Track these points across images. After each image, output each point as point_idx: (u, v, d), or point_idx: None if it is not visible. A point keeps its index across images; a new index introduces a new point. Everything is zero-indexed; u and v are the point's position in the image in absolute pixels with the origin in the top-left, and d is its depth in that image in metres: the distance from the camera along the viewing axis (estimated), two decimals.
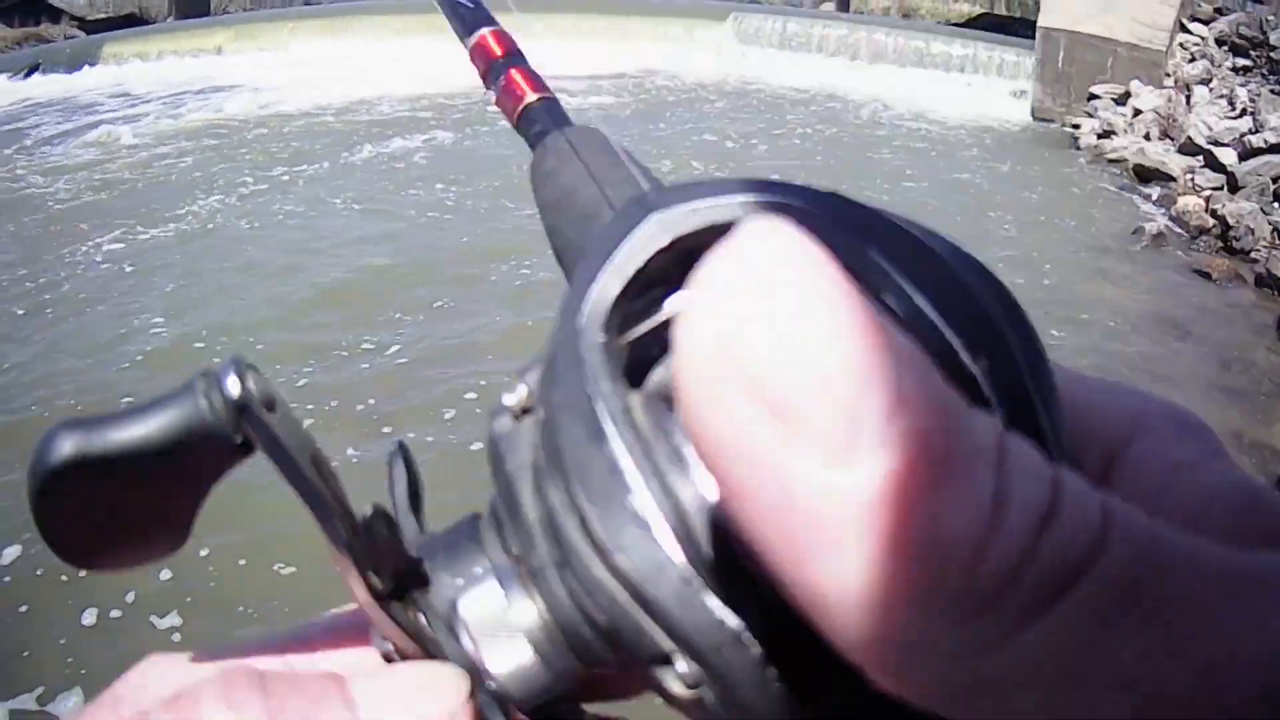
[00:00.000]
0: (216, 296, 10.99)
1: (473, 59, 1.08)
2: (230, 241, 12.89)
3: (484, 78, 1.07)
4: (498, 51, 1.07)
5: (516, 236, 12.27)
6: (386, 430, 8.23)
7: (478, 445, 7.54)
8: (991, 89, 24.18)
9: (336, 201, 14.42)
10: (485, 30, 1.09)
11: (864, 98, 23.78)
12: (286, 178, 16.21)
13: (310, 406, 8.45)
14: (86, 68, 42.12)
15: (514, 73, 1.03)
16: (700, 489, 0.40)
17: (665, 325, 0.45)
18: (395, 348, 9.68)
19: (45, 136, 23.04)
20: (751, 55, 28.84)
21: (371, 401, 8.65)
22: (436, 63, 29.81)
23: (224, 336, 9.85)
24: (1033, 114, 22.14)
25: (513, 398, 0.49)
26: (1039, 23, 22.91)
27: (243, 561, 6.37)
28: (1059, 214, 14.39)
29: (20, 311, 10.68)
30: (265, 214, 13.97)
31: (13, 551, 6.70)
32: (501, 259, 11.73)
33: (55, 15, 78.76)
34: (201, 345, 9.59)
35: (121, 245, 12.87)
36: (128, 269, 12.02)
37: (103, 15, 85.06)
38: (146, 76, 36.95)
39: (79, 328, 10.26)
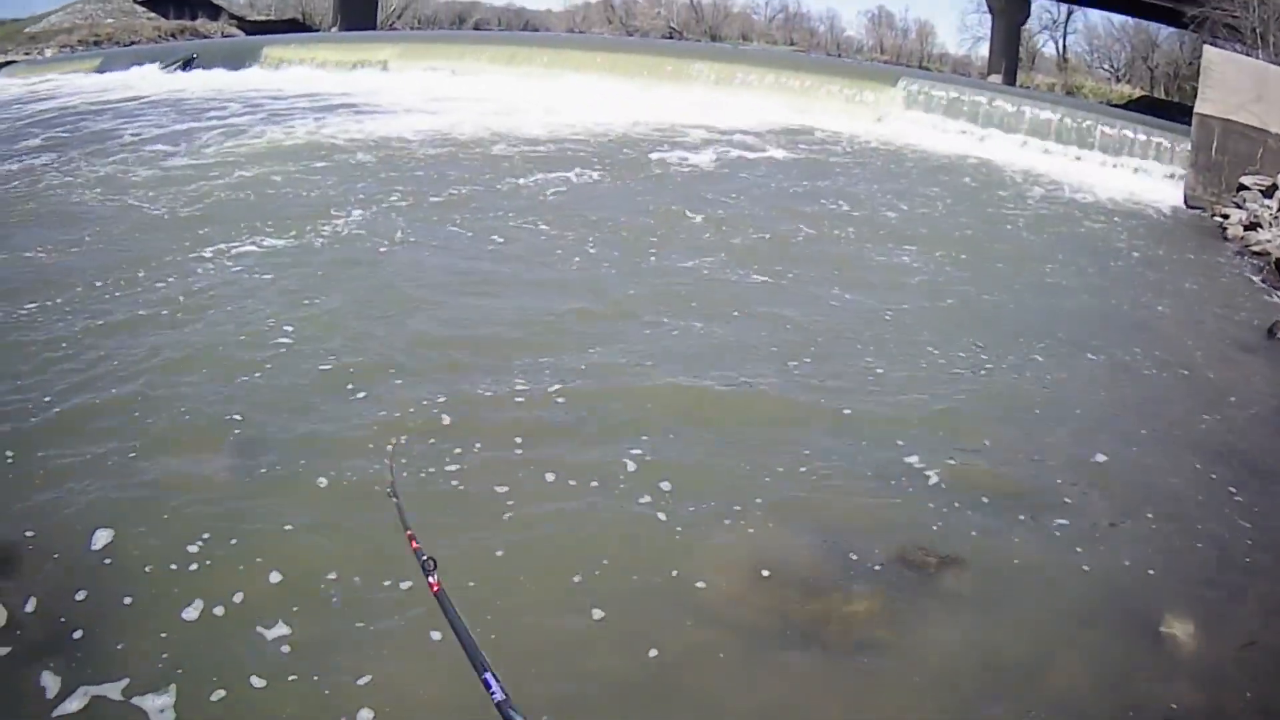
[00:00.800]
0: (349, 313, 10.92)
1: None
2: (378, 263, 12.88)
3: None
4: None
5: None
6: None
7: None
8: (1147, 173, 24.15)
9: (491, 234, 14.60)
10: None
11: (1020, 171, 23.94)
12: (437, 200, 16.56)
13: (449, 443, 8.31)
14: (244, 68, 43.60)
15: None
16: None
17: None
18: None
19: (193, 131, 23.81)
20: (917, 120, 29.12)
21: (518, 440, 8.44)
22: (604, 101, 30.93)
23: (349, 355, 9.78)
24: (1185, 201, 22.00)
25: None
26: (1195, 109, 22.76)
27: (357, 579, 6.15)
28: (1200, 300, 14.29)
29: (142, 312, 10.59)
30: (418, 236, 14.15)
31: (114, 536, 6.54)
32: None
33: (214, 11, 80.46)
34: (327, 367, 9.45)
35: (253, 249, 13.04)
36: (265, 276, 12.01)
37: (264, 17, 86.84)
38: (306, 83, 37.58)
39: (200, 331, 10.19)
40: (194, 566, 6.31)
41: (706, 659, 5.89)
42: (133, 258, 12.42)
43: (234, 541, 6.55)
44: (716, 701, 5.62)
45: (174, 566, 6.29)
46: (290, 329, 10.14)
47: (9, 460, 7.51)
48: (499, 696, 3.18)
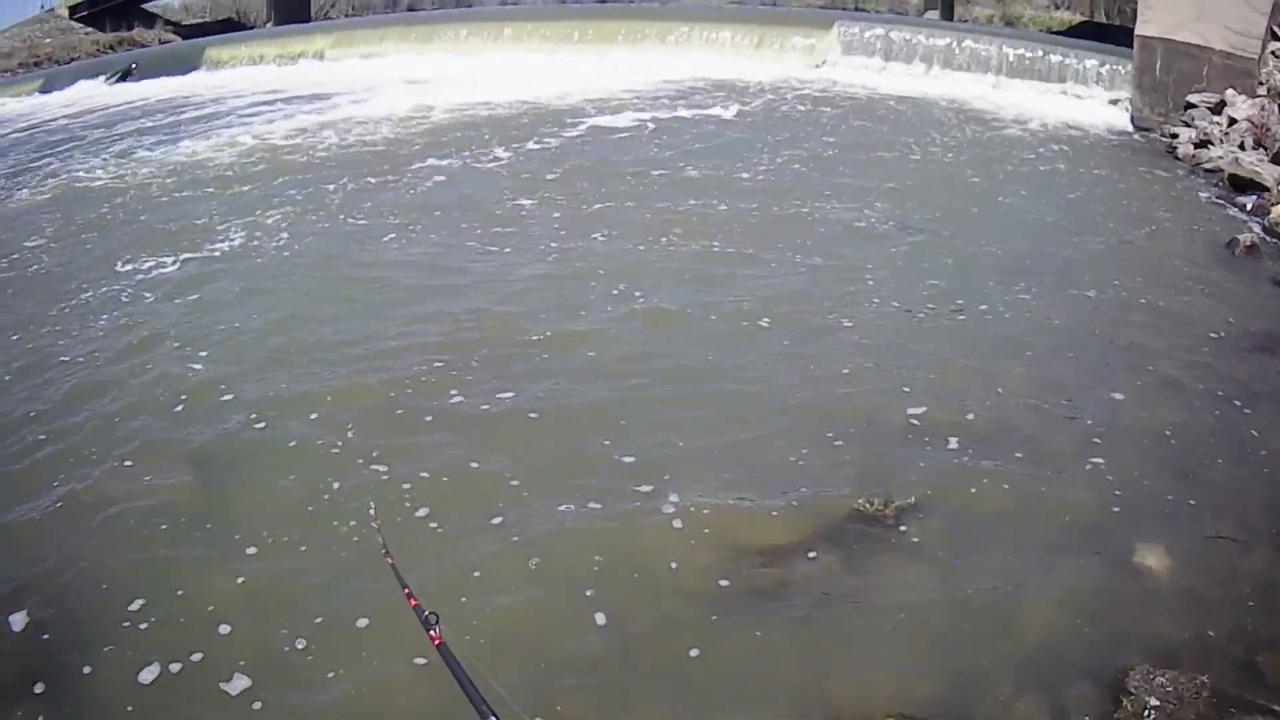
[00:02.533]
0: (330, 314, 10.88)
1: None
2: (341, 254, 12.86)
3: None
4: None
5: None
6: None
7: None
8: (1093, 98, 23.77)
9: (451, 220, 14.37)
10: None
11: (964, 107, 23.56)
12: (397, 184, 16.31)
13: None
14: (185, 73, 43.66)
15: None
16: None
17: None
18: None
19: (140, 141, 23.21)
20: (855, 64, 28.66)
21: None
22: (541, 73, 30.06)
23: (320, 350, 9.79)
24: (1132, 123, 21.75)
25: None
26: (1136, 31, 22.61)
27: (319, 620, 5.99)
28: (1156, 223, 14.15)
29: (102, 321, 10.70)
30: (370, 227, 13.98)
31: (62, 603, 6.33)
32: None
33: (149, 20, 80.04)
34: (305, 365, 9.54)
35: (232, 243, 12.96)
36: (259, 264, 12.05)
37: (199, 20, 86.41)
38: (247, 81, 37.74)
39: (179, 329, 10.27)
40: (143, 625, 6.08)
41: (674, 630, 5.83)
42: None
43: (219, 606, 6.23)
44: (683, 668, 5.57)
45: (125, 624, 6.07)
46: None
47: None
48: None
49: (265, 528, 6.88)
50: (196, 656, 5.80)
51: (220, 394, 8.86)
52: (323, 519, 6.97)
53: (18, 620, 6.12)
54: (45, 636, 6.00)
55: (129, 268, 12.66)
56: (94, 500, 7.36)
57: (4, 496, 7.56)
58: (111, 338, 10.37)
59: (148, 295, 11.59)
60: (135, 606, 6.18)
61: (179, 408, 8.71)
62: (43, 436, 8.39)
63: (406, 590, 4.42)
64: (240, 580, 6.46)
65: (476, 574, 6.33)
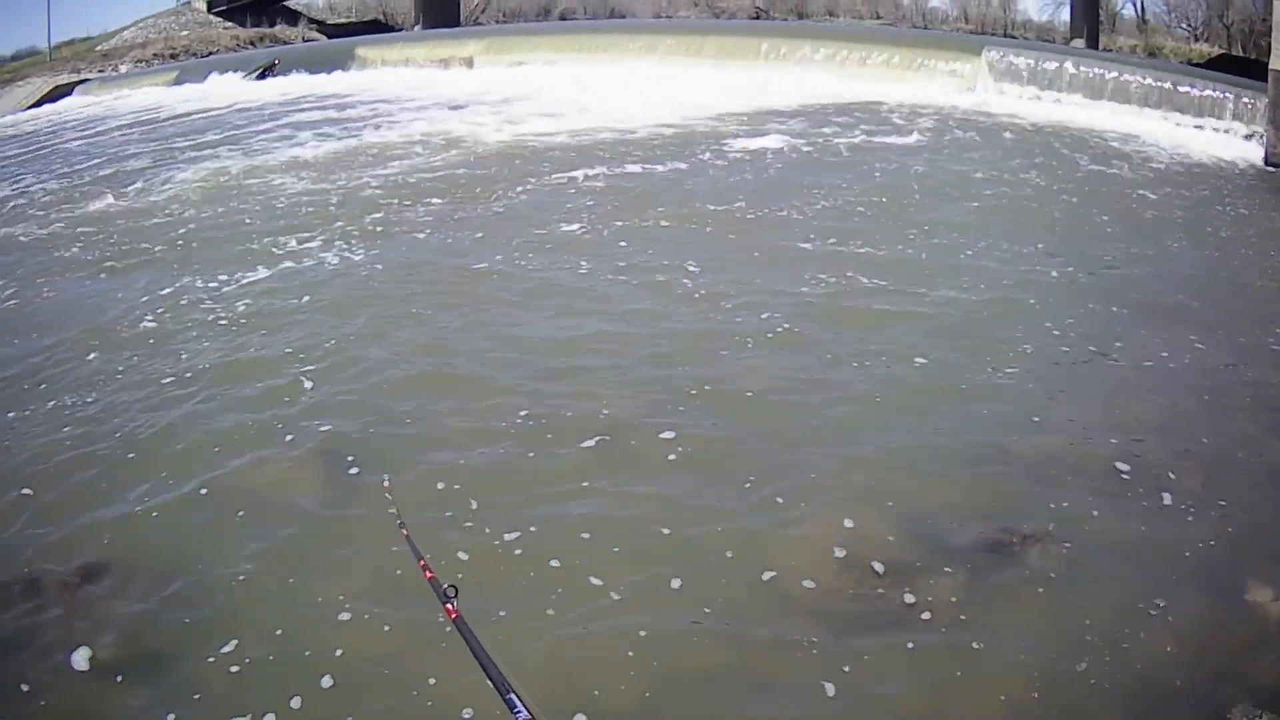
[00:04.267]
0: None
1: None
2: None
3: None
4: None
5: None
6: None
7: None
8: (1229, 132, 23.69)
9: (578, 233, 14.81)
10: None
11: (1105, 134, 23.67)
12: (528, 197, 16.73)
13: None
14: (331, 72, 44.04)
15: None
16: None
17: None
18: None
19: (268, 139, 24.47)
20: (1004, 90, 28.92)
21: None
22: (698, 87, 30.71)
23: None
24: (1266, 159, 21.52)
25: None
26: (1270, 65, 22.30)
27: (376, 613, 6.06)
28: (1276, 263, 13.89)
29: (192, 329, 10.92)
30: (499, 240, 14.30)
31: (128, 576, 6.92)
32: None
33: (292, 17, 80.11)
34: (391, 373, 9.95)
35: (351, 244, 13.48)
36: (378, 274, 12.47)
37: (344, 20, 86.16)
38: (394, 83, 38.23)
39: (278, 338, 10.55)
40: (220, 607, 6.36)
41: (794, 648, 5.90)
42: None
43: (244, 584, 6.56)
44: (802, 691, 5.62)
45: (200, 613, 6.30)
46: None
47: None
48: (523, 715, 3.25)
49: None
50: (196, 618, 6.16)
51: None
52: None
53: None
54: None
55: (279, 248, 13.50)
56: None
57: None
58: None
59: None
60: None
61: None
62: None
63: (422, 563, 4.37)
64: (254, 549, 6.83)
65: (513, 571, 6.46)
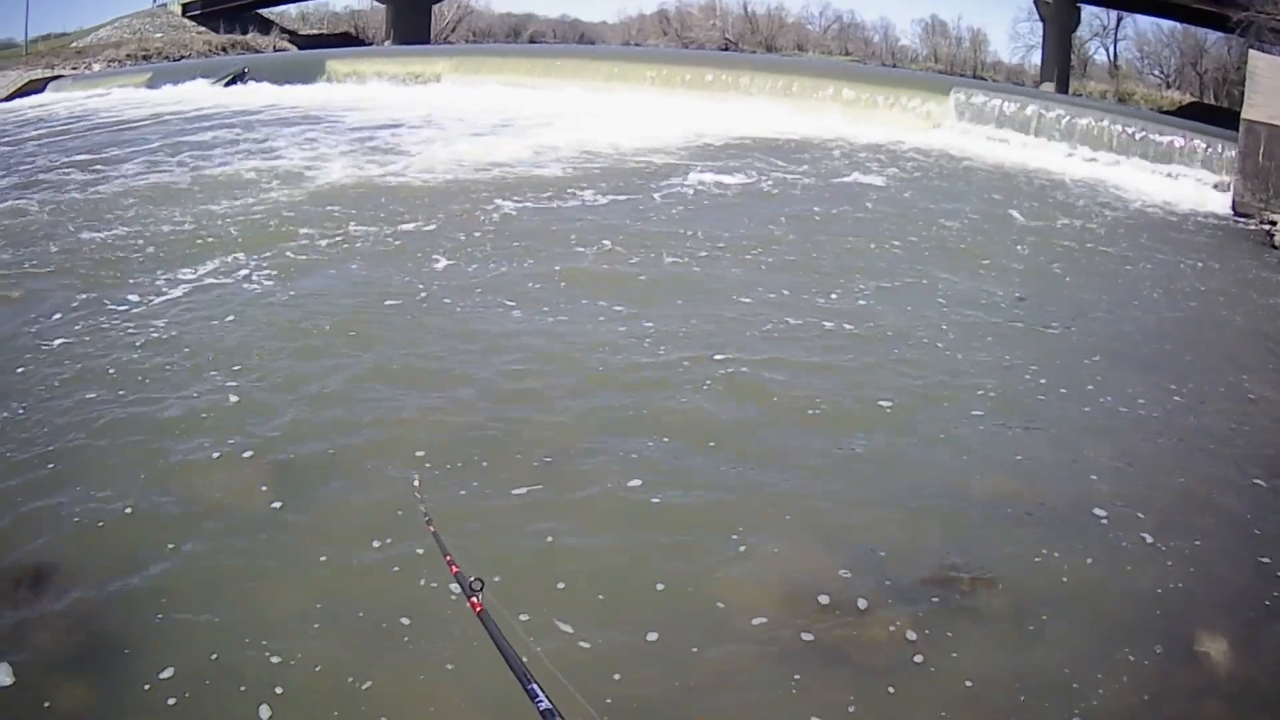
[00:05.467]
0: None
1: None
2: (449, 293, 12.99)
3: None
4: None
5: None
6: None
7: None
8: (1197, 180, 23.73)
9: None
10: None
11: (1072, 180, 23.72)
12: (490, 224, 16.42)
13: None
14: (307, 83, 43.70)
15: None
16: None
17: None
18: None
19: (239, 148, 24.12)
20: (970, 131, 28.93)
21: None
22: (663, 116, 30.59)
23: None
24: (1233, 208, 21.53)
25: None
26: (1242, 115, 22.34)
27: (404, 605, 6.04)
28: (1252, 317, 13.93)
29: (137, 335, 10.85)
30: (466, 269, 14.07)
31: (155, 567, 6.82)
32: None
33: (265, 25, 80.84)
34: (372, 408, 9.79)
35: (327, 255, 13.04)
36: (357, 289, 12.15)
37: (316, 31, 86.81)
38: (359, 97, 38.31)
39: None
40: (240, 596, 6.48)
41: (741, 678, 5.92)
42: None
43: (275, 570, 6.76)
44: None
45: (222, 598, 6.43)
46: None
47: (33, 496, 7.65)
48: (544, 705, 3.32)
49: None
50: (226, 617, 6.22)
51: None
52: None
53: None
54: None
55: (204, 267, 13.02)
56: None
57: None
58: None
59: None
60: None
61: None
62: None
63: (449, 558, 4.47)
64: (282, 550, 6.96)
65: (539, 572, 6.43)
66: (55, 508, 7.43)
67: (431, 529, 5.02)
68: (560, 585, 6.60)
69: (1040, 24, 58.17)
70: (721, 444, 8.73)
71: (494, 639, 3.78)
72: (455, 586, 4.33)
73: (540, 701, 3.32)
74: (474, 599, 4.01)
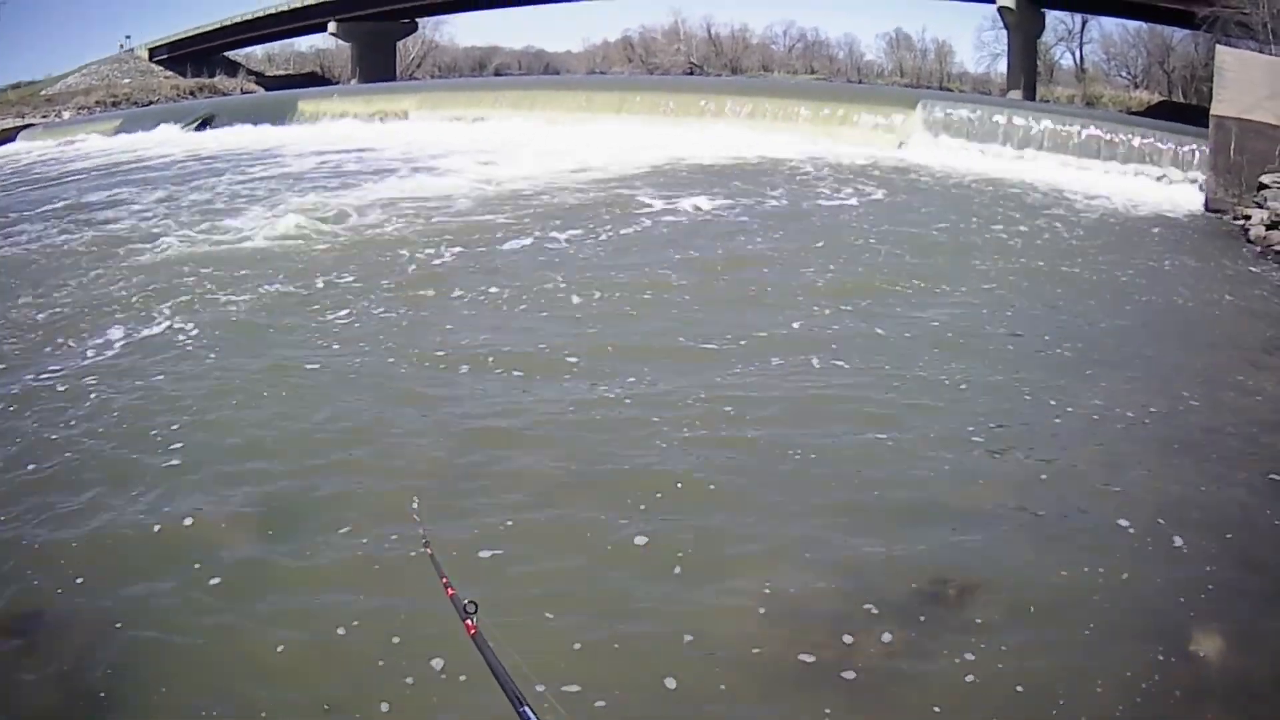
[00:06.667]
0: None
1: None
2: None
3: None
4: None
5: None
6: None
7: None
8: (1168, 179, 23.88)
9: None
10: None
11: (1044, 186, 23.88)
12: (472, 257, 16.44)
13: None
14: (271, 124, 45.13)
15: None
16: None
17: None
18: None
19: (214, 201, 23.86)
20: (938, 144, 29.06)
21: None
22: (629, 142, 31.19)
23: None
24: (1206, 205, 21.69)
25: None
26: (1211, 111, 22.40)
27: (399, 629, 5.96)
28: (1230, 309, 14.09)
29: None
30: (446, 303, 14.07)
31: (148, 592, 6.71)
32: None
33: (231, 68, 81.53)
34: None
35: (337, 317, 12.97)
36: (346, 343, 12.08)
37: (283, 72, 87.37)
38: (331, 136, 39.10)
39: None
40: (232, 623, 6.47)
41: (731, 696, 5.86)
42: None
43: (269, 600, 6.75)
44: None
45: (216, 624, 6.43)
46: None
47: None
48: None
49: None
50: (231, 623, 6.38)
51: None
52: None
53: None
54: None
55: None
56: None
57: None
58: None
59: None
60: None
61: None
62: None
63: (445, 580, 4.52)
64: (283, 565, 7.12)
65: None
66: (38, 546, 7.43)
67: (429, 551, 5.01)
68: (550, 615, 6.56)
69: (1005, 32, 58.22)
70: (707, 467, 8.67)
71: (487, 661, 3.78)
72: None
73: None
74: (468, 621, 4.02)
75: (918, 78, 73.72)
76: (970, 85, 69.68)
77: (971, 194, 23.07)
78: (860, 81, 71.79)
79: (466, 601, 4.08)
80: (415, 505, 6.24)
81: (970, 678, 5.98)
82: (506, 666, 3.72)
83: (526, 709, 3.40)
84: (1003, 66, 62.92)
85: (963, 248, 17.35)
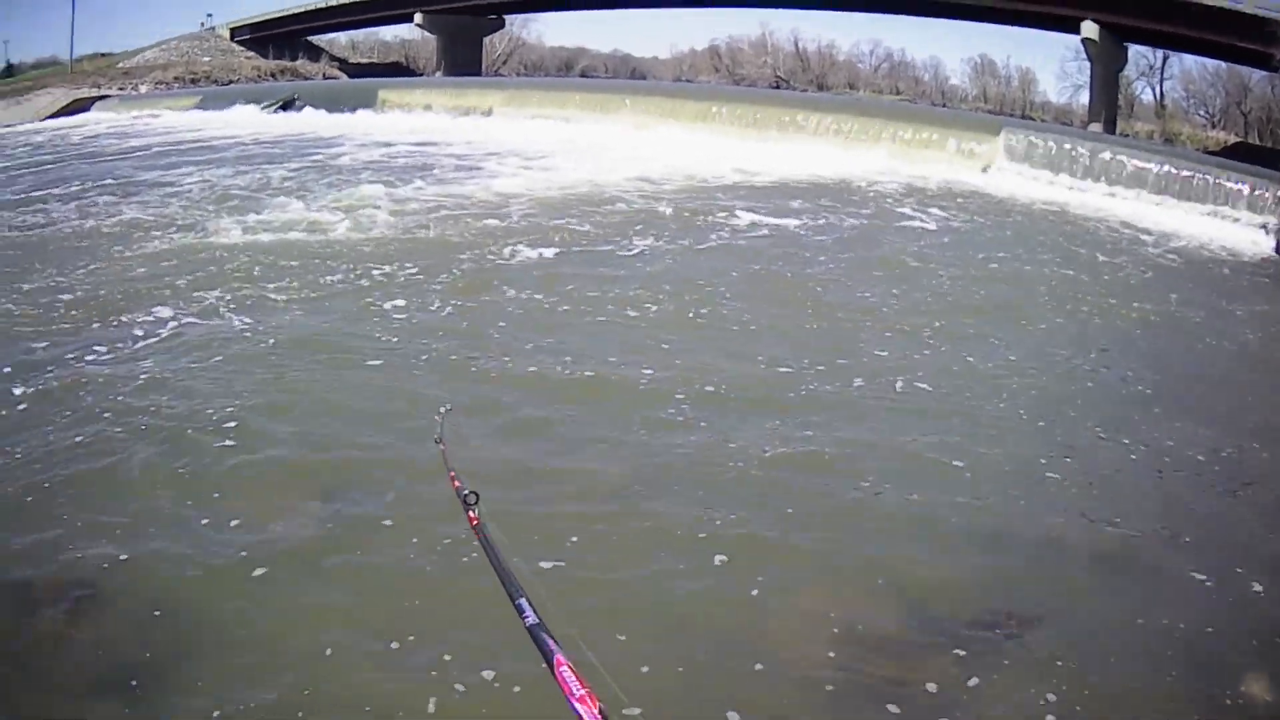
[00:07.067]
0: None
1: None
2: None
3: None
4: None
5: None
6: None
7: None
8: (1240, 221, 23.97)
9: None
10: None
11: (1120, 222, 23.91)
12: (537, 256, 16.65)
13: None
14: (347, 111, 45.46)
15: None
16: None
17: None
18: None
19: (286, 183, 24.27)
20: (1020, 172, 29.15)
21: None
22: (711, 155, 31.22)
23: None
24: (1276, 248, 21.83)
25: None
26: None
27: (405, 518, 5.99)
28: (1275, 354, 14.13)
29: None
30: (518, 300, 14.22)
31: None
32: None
33: (314, 52, 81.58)
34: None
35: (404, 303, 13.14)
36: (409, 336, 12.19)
37: (366, 60, 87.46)
38: (407, 128, 39.36)
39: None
40: (279, 610, 6.59)
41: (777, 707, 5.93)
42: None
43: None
44: None
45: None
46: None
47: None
48: (531, 620, 3.31)
49: None
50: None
51: None
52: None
53: None
54: None
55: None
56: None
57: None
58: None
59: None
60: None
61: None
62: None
63: (452, 474, 4.53)
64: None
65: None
66: (98, 527, 7.55)
67: (441, 446, 5.20)
68: (621, 636, 6.52)
69: (1088, 64, 58.08)
70: (782, 489, 8.74)
71: (487, 552, 3.82)
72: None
73: (528, 617, 3.33)
74: (470, 513, 4.09)
75: (1001, 104, 73.68)
76: (1052, 115, 69.59)
77: (1049, 225, 23.04)
78: (945, 105, 71.74)
79: (468, 492, 4.15)
80: (445, 409, 6.17)
81: (1021, 709, 6.04)
82: (505, 559, 3.73)
83: (523, 600, 3.41)
84: (1084, 98, 62.71)
85: (1037, 279, 17.31)
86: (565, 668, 1.68)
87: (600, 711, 0.92)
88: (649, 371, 11.17)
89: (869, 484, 8.87)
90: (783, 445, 9.50)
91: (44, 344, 11.59)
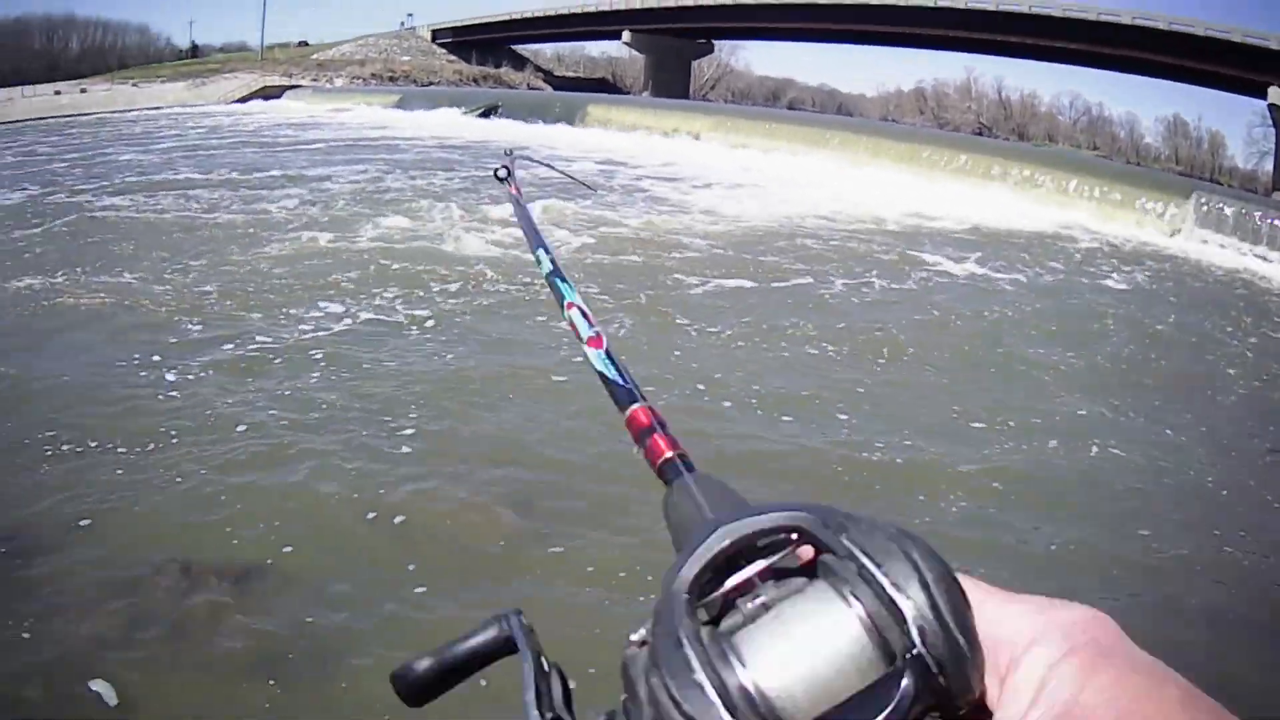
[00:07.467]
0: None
1: (628, 425, 1.28)
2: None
3: (635, 439, 1.25)
4: (644, 421, 1.26)
5: None
6: None
7: None
8: None
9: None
10: (636, 406, 1.30)
11: None
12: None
13: None
14: (547, 123, 46.51)
15: (656, 437, 1.21)
16: (738, 676, 0.70)
17: (730, 590, 0.78)
18: None
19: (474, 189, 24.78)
20: (1208, 238, 28.97)
21: None
22: (908, 196, 31.43)
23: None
24: None
25: (637, 635, 0.80)
26: None
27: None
28: None
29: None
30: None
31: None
32: None
33: (519, 61, 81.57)
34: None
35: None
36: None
37: (571, 74, 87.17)
38: (610, 146, 40.17)
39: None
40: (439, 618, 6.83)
41: None
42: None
43: None
44: None
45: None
46: None
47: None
48: (548, 268, 2.94)
49: None
50: None
51: None
52: None
53: None
54: None
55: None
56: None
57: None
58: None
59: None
60: None
61: None
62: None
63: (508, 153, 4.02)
64: None
65: None
66: (274, 495, 8.15)
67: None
68: None
69: (1273, 130, 57.73)
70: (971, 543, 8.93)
71: (515, 211, 3.27)
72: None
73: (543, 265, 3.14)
74: (509, 183, 3.54)
75: (1190, 166, 72.67)
76: (1238, 181, 68.38)
77: (1235, 296, 22.82)
78: (1138, 164, 71.12)
79: (501, 166, 3.29)
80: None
81: None
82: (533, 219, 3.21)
83: (541, 250, 2.97)
84: (1269, 166, 62.09)
85: (1215, 351, 17.24)
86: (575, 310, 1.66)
87: (607, 350, 1.40)
88: (844, 416, 11.35)
89: (1057, 547, 9.00)
90: (971, 497, 9.69)
91: (207, 332, 12.36)
